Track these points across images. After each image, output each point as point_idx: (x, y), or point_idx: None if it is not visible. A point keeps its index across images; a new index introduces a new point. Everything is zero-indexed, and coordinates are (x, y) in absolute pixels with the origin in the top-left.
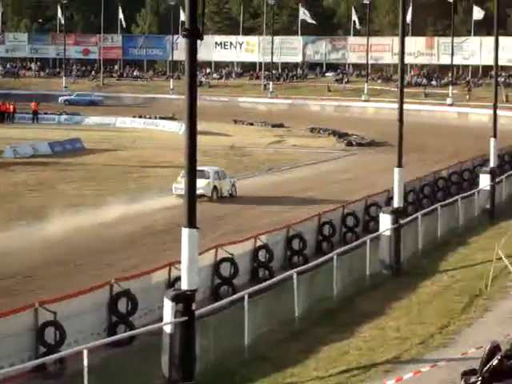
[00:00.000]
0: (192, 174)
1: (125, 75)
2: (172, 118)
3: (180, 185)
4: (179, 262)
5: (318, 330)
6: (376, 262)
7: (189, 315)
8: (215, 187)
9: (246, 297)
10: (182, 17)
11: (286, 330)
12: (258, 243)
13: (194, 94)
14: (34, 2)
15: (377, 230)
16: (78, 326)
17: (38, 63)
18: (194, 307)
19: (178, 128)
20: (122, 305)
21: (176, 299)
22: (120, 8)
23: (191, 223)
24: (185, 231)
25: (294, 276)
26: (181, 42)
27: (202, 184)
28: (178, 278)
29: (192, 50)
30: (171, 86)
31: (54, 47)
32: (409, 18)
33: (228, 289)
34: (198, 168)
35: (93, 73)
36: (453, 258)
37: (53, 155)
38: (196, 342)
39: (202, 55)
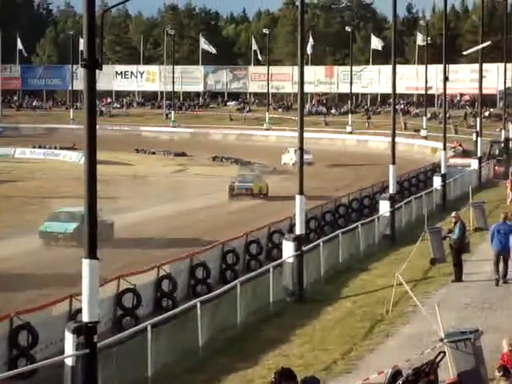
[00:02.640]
0: (92, 204)
1: (24, 105)
2: (72, 148)
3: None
4: (80, 294)
5: (222, 359)
6: (279, 289)
7: (90, 347)
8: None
9: (149, 327)
10: (82, 46)
11: (190, 359)
12: (162, 273)
13: (94, 124)
14: None
15: (280, 257)
16: None
17: None
18: (95, 339)
19: (79, 158)
20: (23, 338)
21: (77, 331)
22: (18, 38)
23: (92, 254)
24: (85, 262)
25: (198, 305)
26: (80, 71)
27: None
28: (80, 310)
29: (91, 80)
30: (71, 116)
31: None
32: (309, 47)
33: (131, 319)
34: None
35: None
36: (354, 284)
37: None
38: (98, 375)
39: (102, 85)
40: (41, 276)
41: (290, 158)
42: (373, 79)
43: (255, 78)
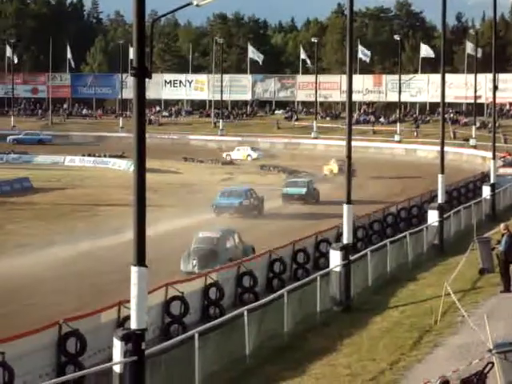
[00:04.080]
0: (141, 212)
1: (74, 114)
2: (121, 156)
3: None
4: (129, 301)
5: (269, 368)
6: (326, 298)
7: (138, 355)
8: None
9: (197, 335)
10: (131, 55)
11: (237, 368)
12: (209, 281)
13: (143, 132)
14: None
15: (327, 266)
16: (26, 367)
17: None
18: (143, 346)
19: (128, 166)
20: (71, 345)
21: (125, 339)
22: (68, 47)
23: (140, 261)
24: (134, 269)
25: (245, 313)
26: (130, 80)
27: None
28: (128, 317)
29: (140, 89)
30: (120, 125)
31: (2, 86)
32: (362, 55)
33: (178, 327)
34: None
35: (40, 111)
36: (402, 294)
37: (0, 195)
38: (146, 382)
39: (152, 93)
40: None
41: (330, 168)
42: (421, 88)
43: (303, 87)
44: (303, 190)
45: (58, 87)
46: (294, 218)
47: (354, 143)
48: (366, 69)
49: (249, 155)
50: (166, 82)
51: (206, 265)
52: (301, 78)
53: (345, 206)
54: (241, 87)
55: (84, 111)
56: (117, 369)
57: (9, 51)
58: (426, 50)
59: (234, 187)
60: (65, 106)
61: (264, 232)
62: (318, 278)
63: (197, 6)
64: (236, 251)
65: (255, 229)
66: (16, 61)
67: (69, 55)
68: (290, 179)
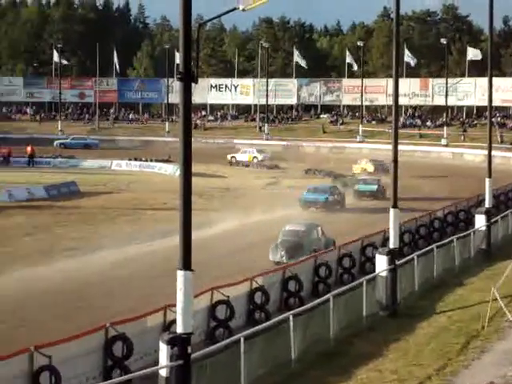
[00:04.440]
0: (187, 216)
1: (120, 118)
2: (167, 161)
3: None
4: (175, 305)
5: (315, 373)
6: (373, 303)
7: (184, 359)
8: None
9: (242, 339)
10: (178, 60)
11: (282, 372)
12: (254, 285)
13: (189, 137)
14: (29, 47)
15: (373, 270)
16: (73, 371)
17: (34, 107)
18: (189, 350)
19: (174, 170)
20: (118, 348)
21: (171, 342)
22: (115, 52)
23: (186, 265)
24: (180, 273)
25: (290, 318)
26: (176, 84)
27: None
28: (174, 321)
29: (186, 93)
30: (167, 129)
31: (50, 91)
32: (408, 59)
33: (224, 331)
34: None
35: (87, 116)
36: (449, 299)
37: (48, 199)
38: None
39: (197, 98)
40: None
41: (363, 168)
42: (468, 92)
43: (349, 91)
44: (374, 188)
45: (105, 92)
46: (372, 212)
47: (400, 147)
48: (412, 72)
49: (255, 157)
50: (211, 86)
51: (293, 255)
52: (346, 82)
53: (391, 211)
54: (286, 91)
55: (130, 116)
56: (163, 373)
57: (56, 56)
58: (472, 53)
59: (320, 184)
60: (111, 110)
61: (346, 224)
62: (364, 282)
63: (243, 10)
64: (319, 243)
65: (337, 222)
66: (63, 66)
67: (115, 60)
68: (362, 177)
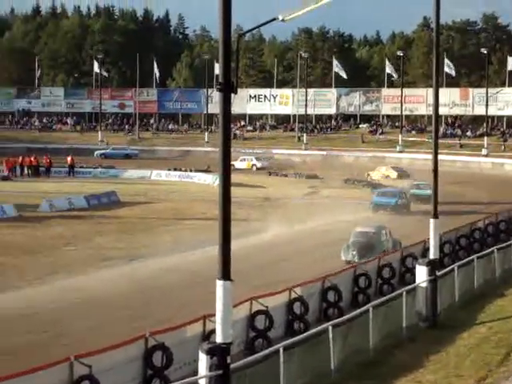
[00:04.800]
0: (226, 226)
1: (160, 128)
2: (207, 171)
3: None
4: (214, 315)
5: (353, 383)
6: (412, 313)
7: (224, 368)
8: None
9: (281, 350)
10: (217, 70)
11: (321, 382)
12: (293, 295)
13: (228, 147)
14: (70, 57)
15: (413, 281)
16: (113, 380)
17: (74, 118)
18: (229, 360)
19: (213, 180)
20: (157, 358)
21: (211, 352)
22: (155, 62)
23: (226, 275)
24: (219, 283)
25: (330, 329)
26: (215, 95)
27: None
28: (213, 331)
29: (226, 104)
30: (206, 139)
31: (90, 101)
32: (447, 69)
33: (263, 341)
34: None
35: (127, 126)
36: (490, 310)
37: (88, 208)
38: None
39: (237, 108)
40: None
41: (385, 174)
42: (509, 101)
43: (388, 100)
44: (428, 192)
45: (145, 102)
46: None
47: (440, 157)
48: (452, 82)
49: (253, 165)
50: (250, 96)
51: (364, 255)
52: (386, 92)
53: (431, 221)
54: (325, 101)
55: (170, 126)
56: (202, 382)
57: (96, 67)
58: None
59: (389, 188)
60: (151, 120)
61: (412, 227)
62: (404, 293)
63: (282, 21)
64: (387, 245)
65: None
66: (104, 76)
67: (155, 70)
68: (416, 183)
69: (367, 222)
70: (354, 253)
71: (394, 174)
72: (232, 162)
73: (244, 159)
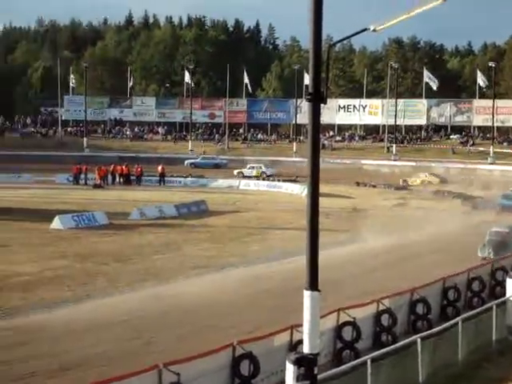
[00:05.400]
0: (314, 236)
1: (249, 138)
2: (295, 181)
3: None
4: (301, 325)
5: None
6: (503, 327)
7: (311, 379)
8: None
9: (369, 361)
10: (306, 81)
11: None
12: (381, 307)
13: (317, 157)
14: (161, 67)
15: (503, 294)
16: None
17: (165, 127)
18: (316, 371)
19: (301, 190)
20: (245, 367)
21: (298, 363)
22: (245, 73)
23: (313, 286)
24: (306, 293)
25: (418, 341)
26: (304, 105)
27: None
28: (300, 341)
29: (315, 114)
30: (294, 149)
31: (181, 111)
32: None
33: (350, 353)
34: None
35: (217, 136)
36: None
37: (178, 217)
38: None
39: (326, 118)
40: None
41: (427, 180)
42: None
43: (480, 112)
44: None
45: (235, 112)
46: None
47: None
48: None
49: (263, 172)
50: (340, 106)
51: (499, 252)
52: (477, 103)
53: None
54: (415, 112)
55: (259, 136)
56: None
57: (187, 77)
58: None
59: None
60: (240, 130)
61: None
62: (494, 306)
63: (373, 31)
64: None
65: None
66: (194, 86)
67: (246, 81)
68: (504, 193)
69: (501, 223)
70: (490, 250)
71: (436, 180)
72: (241, 170)
73: (253, 167)
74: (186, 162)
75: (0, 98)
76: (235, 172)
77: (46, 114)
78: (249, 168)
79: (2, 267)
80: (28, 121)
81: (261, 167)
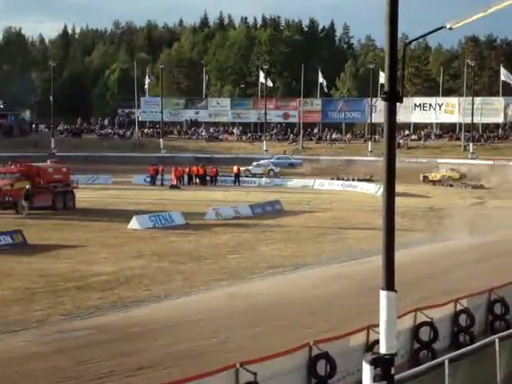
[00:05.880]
0: (390, 236)
1: (323, 138)
2: (370, 180)
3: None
4: (377, 325)
5: None
6: None
7: (388, 379)
8: None
9: (447, 362)
10: (382, 80)
11: None
12: (459, 307)
13: (393, 156)
14: (236, 68)
15: None
16: None
17: (240, 127)
18: (393, 371)
19: (376, 190)
20: (321, 367)
21: (375, 363)
22: (320, 72)
23: (389, 286)
24: (383, 294)
25: (496, 341)
26: (379, 104)
27: None
28: (376, 342)
29: (391, 113)
30: (369, 148)
31: (255, 112)
32: None
33: (427, 353)
34: None
35: (291, 136)
36: None
37: (253, 217)
38: None
39: (401, 117)
40: None
41: (448, 175)
42: None
43: None
44: None
45: (309, 112)
46: None
47: None
48: None
49: (271, 169)
50: (415, 105)
51: None
52: None
53: None
54: (492, 110)
55: (334, 135)
56: None
57: (262, 77)
58: None
59: None
60: (315, 130)
61: None
62: None
63: (450, 29)
64: None
65: None
66: (269, 87)
67: (320, 80)
68: None
69: None
70: None
71: (456, 175)
72: (248, 167)
73: (260, 165)
74: (253, 163)
75: (77, 100)
76: (241, 168)
77: (123, 116)
78: (256, 166)
79: (80, 267)
80: (105, 122)
81: (268, 164)
